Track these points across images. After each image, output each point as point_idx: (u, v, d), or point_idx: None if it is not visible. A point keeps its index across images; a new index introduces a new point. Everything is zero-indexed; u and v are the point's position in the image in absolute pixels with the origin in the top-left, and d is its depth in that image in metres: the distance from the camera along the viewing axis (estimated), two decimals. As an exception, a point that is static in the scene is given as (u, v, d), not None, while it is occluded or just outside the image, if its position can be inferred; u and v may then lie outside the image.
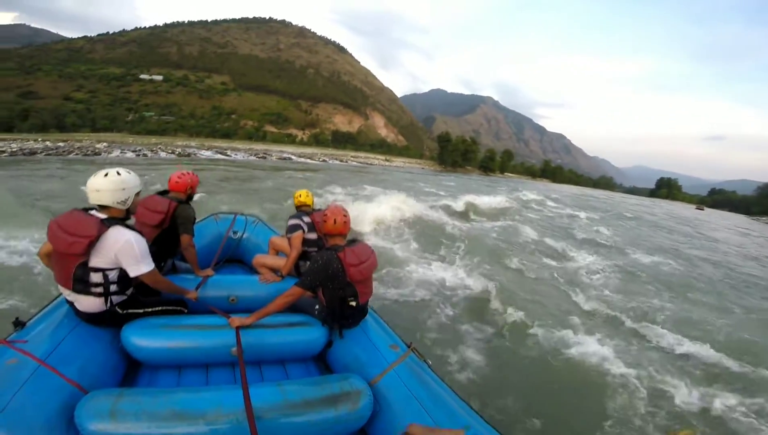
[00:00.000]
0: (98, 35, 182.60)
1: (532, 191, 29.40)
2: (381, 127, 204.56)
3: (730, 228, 30.64)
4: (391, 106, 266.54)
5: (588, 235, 12.98)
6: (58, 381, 1.65)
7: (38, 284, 4.03)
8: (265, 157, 45.48)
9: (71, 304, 2.01)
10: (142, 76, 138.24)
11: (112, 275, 1.97)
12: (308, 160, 48.64)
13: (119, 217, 2.02)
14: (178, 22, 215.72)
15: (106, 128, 79.97)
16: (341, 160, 58.41)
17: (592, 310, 5.49)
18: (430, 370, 2.19)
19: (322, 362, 2.52)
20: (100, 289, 1.95)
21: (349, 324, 2.43)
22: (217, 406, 1.67)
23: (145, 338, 2.05)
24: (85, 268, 1.89)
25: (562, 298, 5.83)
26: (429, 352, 3.31)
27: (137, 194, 2.12)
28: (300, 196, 3.40)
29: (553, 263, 8.11)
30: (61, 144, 36.82)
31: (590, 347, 4.03)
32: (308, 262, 2.71)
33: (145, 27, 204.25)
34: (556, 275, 7.09)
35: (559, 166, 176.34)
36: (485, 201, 16.75)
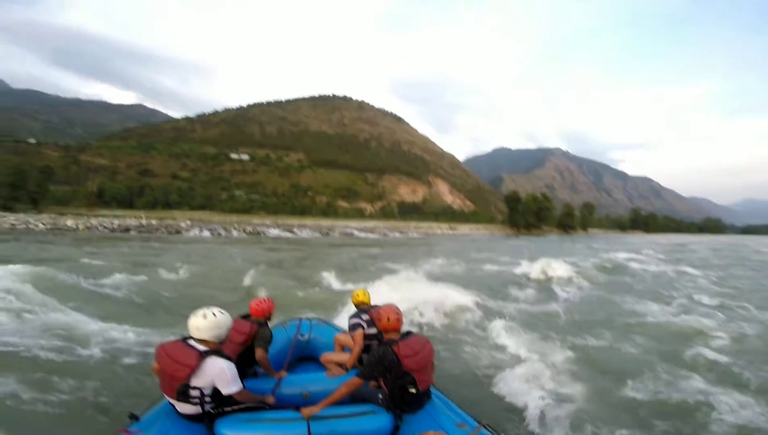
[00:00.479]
0: (197, 115, 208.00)
1: (622, 248, 24.99)
2: (446, 194, 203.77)
3: None
4: (455, 171, 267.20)
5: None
6: None
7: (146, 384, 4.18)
8: (328, 234, 46.04)
9: (172, 405, 2.49)
10: (233, 156, 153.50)
11: (208, 391, 2.46)
12: (369, 235, 48.41)
13: (214, 348, 2.52)
14: (258, 103, 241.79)
15: (202, 206, 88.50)
16: (401, 233, 56.84)
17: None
18: None
19: None
20: (197, 400, 2.44)
21: (413, 408, 2.62)
22: None
23: (234, 431, 2.40)
24: (186, 386, 2.38)
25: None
26: (505, 429, 3.26)
27: (229, 329, 2.66)
28: (358, 296, 3.87)
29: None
30: (154, 222, 41.00)
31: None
32: None
33: (232, 108, 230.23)
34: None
35: (651, 213, 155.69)
36: (560, 265, 13.56)
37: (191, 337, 2.54)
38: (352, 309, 3.99)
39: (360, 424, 2.55)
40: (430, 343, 2.78)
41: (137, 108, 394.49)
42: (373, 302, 3.96)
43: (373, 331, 3.47)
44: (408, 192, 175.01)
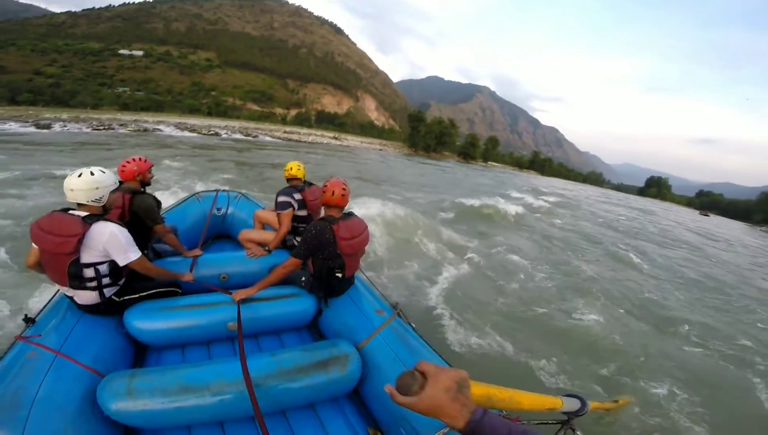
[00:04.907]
0: (83, 10, 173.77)
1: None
2: (372, 111, 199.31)
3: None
4: (385, 90, 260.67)
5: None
6: (76, 368, 1.76)
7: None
8: (204, 133, 37.54)
9: (71, 298, 2.11)
10: (122, 51, 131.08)
11: (104, 268, 2.06)
12: (237, 136, 40.51)
13: (97, 213, 2.09)
14: None
15: (67, 103, 72.94)
16: (272, 137, 46.16)
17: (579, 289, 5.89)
18: (415, 332, 2.30)
19: (315, 330, 2.64)
20: (94, 283, 2.05)
21: (336, 293, 2.55)
22: (219, 378, 1.80)
23: (147, 321, 2.16)
24: (77, 265, 1.97)
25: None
26: (415, 315, 3.36)
27: (113, 191, 2.17)
28: (291, 169, 3.31)
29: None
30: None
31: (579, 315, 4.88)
32: (295, 237, 3.15)
33: (133, 2, 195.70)
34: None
35: (548, 158, 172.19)
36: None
37: (67, 208, 2.08)
38: None
39: (286, 307, 2.45)
40: (368, 229, 2.57)
41: (5, 3, 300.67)
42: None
43: (303, 213, 3.12)
44: (332, 102, 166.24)
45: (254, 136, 42.95)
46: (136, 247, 2.12)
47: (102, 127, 31.22)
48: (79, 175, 2.04)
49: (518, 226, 11.48)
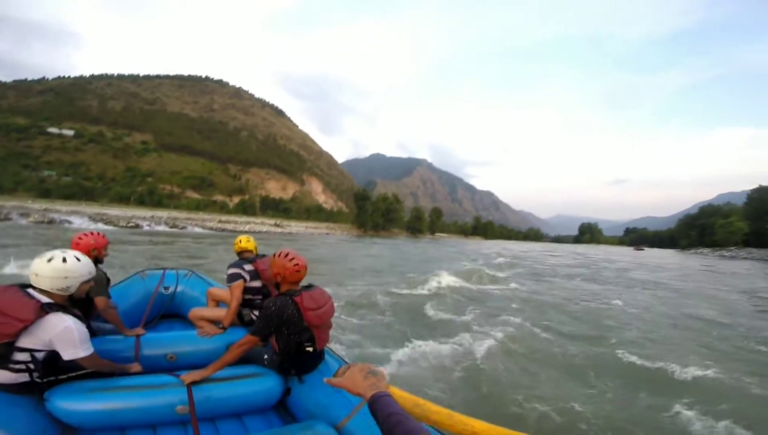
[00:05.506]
0: (13, 81, 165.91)
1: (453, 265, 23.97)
2: (319, 193, 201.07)
3: (707, 269, 29.08)
4: (331, 171, 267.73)
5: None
6: None
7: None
8: (122, 225, 33.25)
9: None
10: (51, 130, 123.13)
11: (41, 356, 1.84)
12: (161, 227, 36.41)
13: (60, 302, 1.92)
14: (106, 74, 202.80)
15: None
16: (203, 228, 41.55)
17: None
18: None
19: (283, 410, 2.39)
20: (22, 366, 1.82)
21: (307, 369, 2.36)
22: None
23: (76, 402, 1.89)
24: (9, 347, 1.76)
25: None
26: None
27: (87, 282, 2.05)
28: (240, 241, 3.35)
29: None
30: None
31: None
32: (252, 311, 3.02)
33: (68, 76, 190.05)
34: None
35: (489, 221, 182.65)
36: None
37: (31, 286, 1.91)
38: None
39: (247, 387, 2.22)
40: (332, 299, 2.47)
41: None
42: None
43: (257, 283, 3.03)
44: (277, 188, 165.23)
45: (181, 228, 38.66)
46: (89, 343, 1.94)
47: (-3, 217, 26.75)
48: (49, 260, 1.90)
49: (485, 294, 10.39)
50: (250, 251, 3.33)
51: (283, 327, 2.18)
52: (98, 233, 2.83)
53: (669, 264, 31.35)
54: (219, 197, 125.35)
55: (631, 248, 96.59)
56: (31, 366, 1.83)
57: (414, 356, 4.78)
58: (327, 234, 59.10)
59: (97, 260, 2.75)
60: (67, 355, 1.85)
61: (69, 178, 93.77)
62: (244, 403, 2.23)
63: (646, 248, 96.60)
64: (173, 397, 2.02)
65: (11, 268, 8.82)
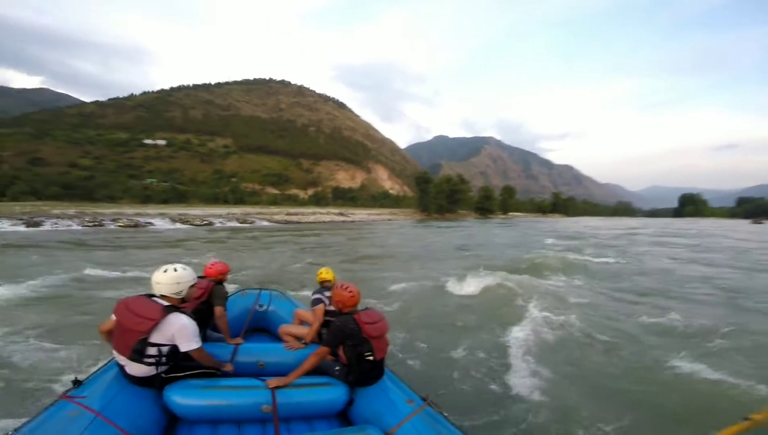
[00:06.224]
0: (109, 99, 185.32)
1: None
2: (385, 180, 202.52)
3: None
4: (395, 157, 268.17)
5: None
6: (113, 430, 1.95)
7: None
8: (197, 224, 35.78)
9: (122, 367, 2.36)
10: (146, 141, 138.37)
11: (165, 350, 2.35)
12: (232, 223, 38.15)
13: (176, 304, 2.48)
14: (183, 85, 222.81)
15: (110, 197, 75.63)
16: (270, 221, 43.19)
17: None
18: (447, 421, 2.39)
19: (345, 419, 2.74)
20: (152, 360, 2.32)
21: (368, 381, 2.70)
22: None
23: (184, 397, 2.34)
24: (144, 343, 2.27)
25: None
26: (449, 405, 3.29)
27: (192, 286, 2.63)
28: (321, 273, 3.87)
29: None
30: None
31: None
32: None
33: (152, 91, 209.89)
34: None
35: (571, 197, 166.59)
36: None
37: (153, 295, 2.47)
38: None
39: (318, 395, 2.59)
40: (385, 318, 2.88)
41: (42, 92, 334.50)
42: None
43: (334, 307, 3.50)
44: (346, 178, 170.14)
45: (250, 223, 40.72)
46: (199, 339, 2.45)
47: (92, 223, 30.38)
48: (165, 271, 2.49)
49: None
50: (330, 281, 3.80)
51: (347, 339, 2.62)
52: (223, 262, 3.69)
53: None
54: (294, 191, 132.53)
55: (747, 221, 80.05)
56: (159, 359, 2.32)
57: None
58: (389, 220, 57.60)
59: (221, 282, 3.60)
60: (183, 347, 2.36)
61: (167, 183, 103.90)
62: (314, 408, 2.58)
63: (765, 222, 78.54)
64: (259, 398, 2.40)
65: (93, 270, 9.49)
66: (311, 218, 50.52)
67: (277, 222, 44.07)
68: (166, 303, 2.39)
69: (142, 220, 36.05)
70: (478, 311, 6.60)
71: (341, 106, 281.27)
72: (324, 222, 47.57)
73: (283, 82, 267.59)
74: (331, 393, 2.59)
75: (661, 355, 4.66)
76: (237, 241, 20.35)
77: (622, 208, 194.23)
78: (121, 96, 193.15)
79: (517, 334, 5.35)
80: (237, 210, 60.88)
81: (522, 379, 4.10)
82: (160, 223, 34.76)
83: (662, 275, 10.63)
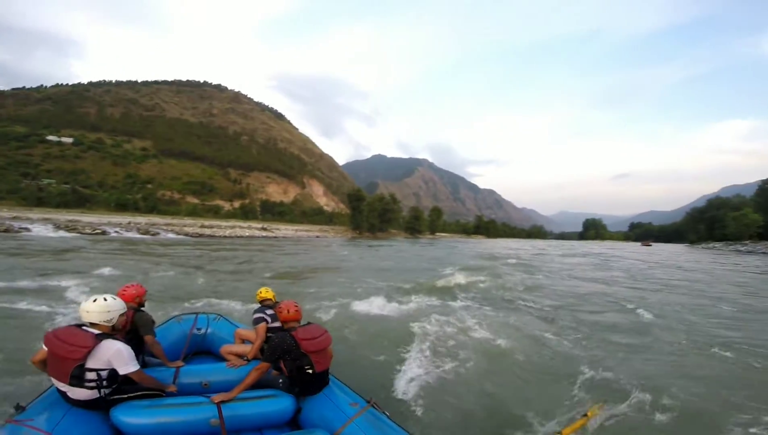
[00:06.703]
0: (12, 89, 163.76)
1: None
2: (320, 196, 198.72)
3: (735, 268, 25.34)
4: (332, 174, 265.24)
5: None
6: None
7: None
8: (88, 232, 31.29)
9: (63, 393, 2.43)
10: (50, 138, 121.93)
11: (105, 374, 2.44)
12: (131, 234, 33.96)
13: (107, 332, 2.57)
14: (104, 81, 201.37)
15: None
16: (179, 234, 39.02)
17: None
18: (390, 420, 2.63)
19: (295, 426, 2.88)
20: (93, 384, 2.41)
21: (313, 390, 2.88)
22: None
23: (132, 416, 2.43)
24: (81, 369, 2.36)
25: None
26: (391, 406, 3.54)
27: (122, 315, 2.72)
28: (261, 293, 4.02)
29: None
30: None
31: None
32: None
33: (66, 84, 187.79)
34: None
35: (492, 220, 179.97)
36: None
37: (82, 324, 2.55)
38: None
39: (265, 406, 2.73)
40: (327, 333, 3.01)
41: None
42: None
43: (276, 324, 3.55)
44: (278, 191, 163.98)
45: (153, 234, 36.16)
46: (136, 362, 2.56)
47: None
48: (94, 301, 2.59)
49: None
50: (270, 299, 3.95)
51: (285, 354, 2.78)
52: (138, 284, 3.55)
53: (686, 262, 28.29)
54: (219, 202, 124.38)
55: (638, 244, 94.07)
56: (99, 383, 2.42)
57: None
58: (317, 237, 55.91)
59: (140, 305, 3.47)
60: (122, 371, 2.47)
61: (68, 185, 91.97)
62: (263, 419, 2.73)
63: (653, 243, 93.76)
64: (208, 414, 2.52)
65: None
66: (228, 232, 46.79)
67: (187, 235, 39.92)
68: (97, 331, 2.48)
69: (16, 224, 30.87)
70: (401, 326, 6.68)
71: (279, 116, 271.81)
72: (242, 237, 44.43)
73: (218, 86, 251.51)
74: (277, 404, 2.74)
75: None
76: (123, 256, 17.15)
77: (536, 230, 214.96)
78: (28, 86, 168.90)
79: (434, 343, 5.67)
80: (143, 219, 55.52)
81: (449, 379, 4.49)
82: (39, 229, 29.97)
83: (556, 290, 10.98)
